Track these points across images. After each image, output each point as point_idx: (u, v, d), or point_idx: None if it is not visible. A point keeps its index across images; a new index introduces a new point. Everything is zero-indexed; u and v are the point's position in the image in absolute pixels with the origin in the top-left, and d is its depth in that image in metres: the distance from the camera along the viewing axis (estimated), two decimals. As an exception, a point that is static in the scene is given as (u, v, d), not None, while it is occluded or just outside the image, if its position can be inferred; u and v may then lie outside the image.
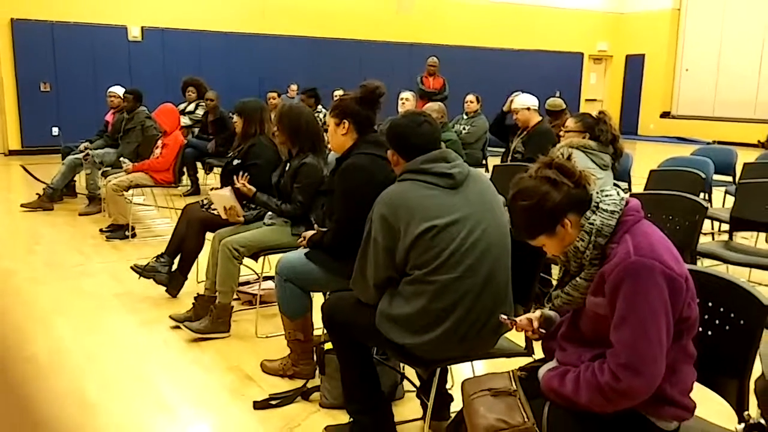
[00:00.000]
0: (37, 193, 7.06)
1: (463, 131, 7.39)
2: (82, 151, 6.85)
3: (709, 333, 1.85)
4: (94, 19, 11.67)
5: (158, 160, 5.80)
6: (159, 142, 5.93)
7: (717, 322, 1.85)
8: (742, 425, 1.53)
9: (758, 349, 1.69)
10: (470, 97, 7.68)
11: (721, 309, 1.84)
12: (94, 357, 3.41)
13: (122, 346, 3.57)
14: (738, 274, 2.78)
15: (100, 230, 5.98)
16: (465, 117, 7.69)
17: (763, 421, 1.47)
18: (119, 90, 7.34)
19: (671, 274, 1.59)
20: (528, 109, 5.60)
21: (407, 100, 7.06)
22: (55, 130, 11.29)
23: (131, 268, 4.31)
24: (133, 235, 5.85)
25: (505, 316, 1.98)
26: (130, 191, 5.90)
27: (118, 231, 5.82)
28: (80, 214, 6.77)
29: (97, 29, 11.70)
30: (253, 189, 3.68)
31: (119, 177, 5.82)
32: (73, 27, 11.50)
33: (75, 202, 7.30)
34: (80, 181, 7.43)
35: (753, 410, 1.58)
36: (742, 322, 1.79)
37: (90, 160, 6.76)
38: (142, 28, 12.16)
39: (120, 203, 5.81)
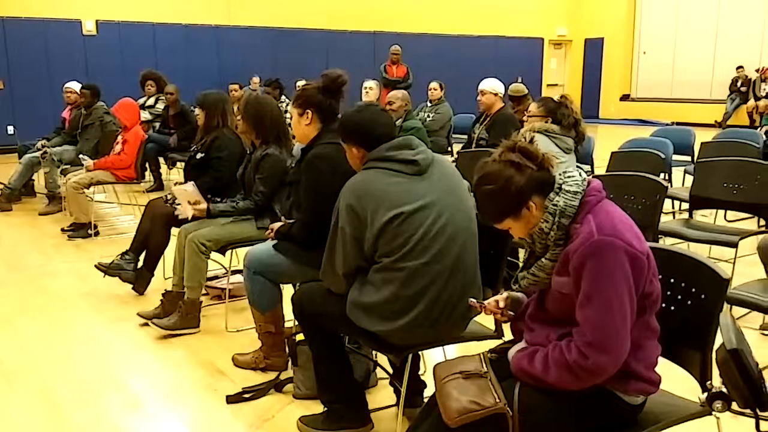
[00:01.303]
0: (-6, 194, 6.88)
1: (428, 119, 7.41)
2: (39, 150, 6.68)
3: (672, 308, 1.90)
4: (47, 14, 11.36)
5: (120, 156, 5.69)
6: (119, 138, 5.82)
7: (679, 297, 1.90)
8: (706, 394, 1.57)
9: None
10: (434, 85, 7.70)
11: (683, 284, 1.89)
12: (62, 358, 3.35)
13: (90, 346, 3.52)
14: (699, 251, 2.85)
15: (62, 229, 5.86)
16: (429, 104, 7.70)
17: (724, 390, 1.52)
18: (75, 85, 7.17)
19: (633, 252, 1.62)
20: (495, 94, 5.65)
21: (371, 89, 7.05)
22: (10, 129, 11.00)
23: (96, 266, 4.24)
24: (96, 233, 5.75)
25: (474, 300, 2.01)
26: (91, 188, 5.78)
27: (81, 230, 5.71)
28: (40, 214, 6.62)
29: (50, 24, 11.40)
30: (204, 206, 3.59)
31: (79, 175, 5.70)
32: (25, 22, 11.18)
33: (34, 202, 7.14)
34: (39, 180, 7.25)
35: (716, 380, 1.63)
36: (703, 296, 1.84)
37: (48, 158, 6.60)
38: (96, 21, 11.89)
39: (81, 201, 5.69)
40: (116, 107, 5.78)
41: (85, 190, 5.70)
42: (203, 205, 3.58)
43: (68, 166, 6.40)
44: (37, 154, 6.68)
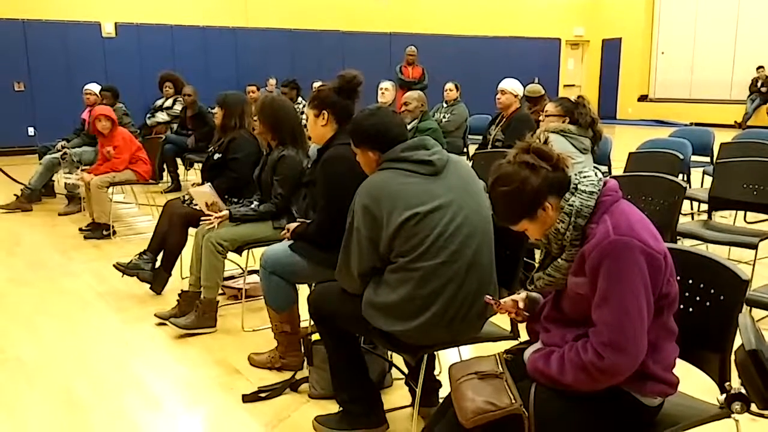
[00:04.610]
0: (15, 194, 6.97)
1: (444, 119, 7.40)
2: (59, 150, 6.77)
3: (691, 309, 1.88)
4: (67, 16, 11.50)
5: (114, 162, 5.70)
6: (110, 149, 5.77)
7: (698, 298, 1.88)
8: (724, 395, 1.56)
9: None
10: (449, 86, 7.69)
11: (702, 286, 1.87)
12: (81, 356, 3.39)
13: (108, 345, 3.55)
14: (718, 253, 2.82)
15: (80, 229, 5.92)
16: (445, 105, 7.70)
17: (743, 391, 1.50)
18: (95, 87, 7.25)
19: (650, 252, 1.61)
20: (515, 96, 5.65)
21: (387, 90, 7.05)
22: (31, 130, 11.14)
23: (114, 266, 4.28)
24: (114, 234, 5.79)
25: (489, 297, 2.00)
26: (110, 189, 5.84)
27: (98, 230, 5.76)
28: (60, 214, 6.70)
29: (70, 26, 11.54)
30: (226, 213, 3.59)
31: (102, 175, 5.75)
32: (46, 24, 11.33)
33: (54, 202, 7.22)
34: (58, 180, 7.34)
35: (734, 382, 1.61)
36: (722, 297, 1.82)
37: (68, 159, 6.68)
38: (115, 24, 12.01)
39: (104, 201, 5.73)
40: (100, 111, 5.75)
41: (106, 190, 5.76)
42: (225, 212, 3.59)
43: (87, 167, 6.47)
44: (57, 155, 6.76)
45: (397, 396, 2.87)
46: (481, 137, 6.17)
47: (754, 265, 3.72)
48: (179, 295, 3.77)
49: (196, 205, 3.96)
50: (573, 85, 18.01)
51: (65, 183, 5.70)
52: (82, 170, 5.90)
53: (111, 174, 5.69)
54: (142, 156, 5.88)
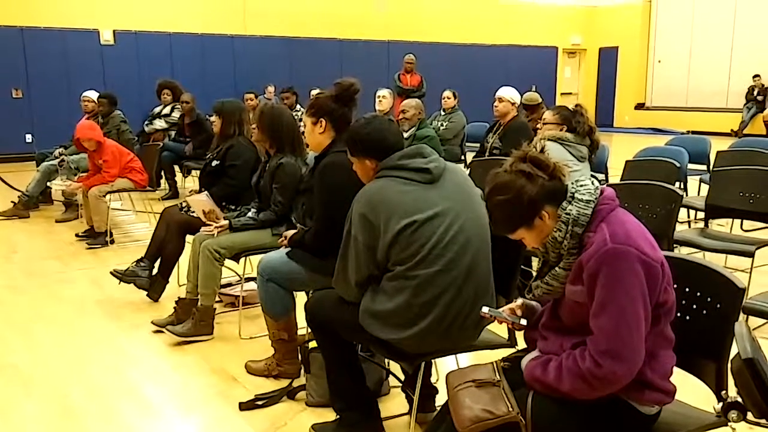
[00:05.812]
0: (12, 201, 6.96)
1: (441, 127, 7.41)
2: (57, 157, 6.76)
3: (687, 318, 1.89)
4: (65, 24, 11.51)
5: (103, 175, 5.69)
6: (100, 162, 5.75)
7: (694, 306, 1.88)
8: (721, 404, 1.56)
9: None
10: (447, 93, 7.71)
11: (699, 294, 1.88)
12: (77, 364, 3.38)
13: (105, 352, 3.54)
14: (714, 261, 2.82)
15: (77, 235, 5.91)
16: (443, 113, 7.72)
17: (739, 399, 1.50)
18: (93, 94, 7.25)
19: (647, 260, 1.62)
20: (513, 104, 5.67)
21: (384, 98, 7.07)
22: (29, 137, 11.14)
23: (111, 273, 4.27)
24: (111, 241, 5.78)
25: (486, 310, 1.96)
26: (108, 196, 5.83)
27: (98, 237, 5.73)
28: (57, 221, 6.69)
29: (69, 33, 11.55)
30: (226, 223, 3.58)
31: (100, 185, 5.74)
32: (44, 32, 11.34)
33: (51, 209, 7.22)
34: (55, 188, 7.33)
35: (731, 390, 1.61)
36: (718, 306, 1.82)
37: (65, 166, 6.68)
38: (114, 31, 12.03)
39: (103, 209, 5.70)
40: (81, 133, 5.71)
41: (104, 199, 5.75)
42: (224, 222, 3.59)
43: (84, 174, 6.47)
44: (55, 162, 6.76)
45: (394, 404, 2.87)
46: (478, 145, 6.17)
47: (750, 273, 3.73)
48: (176, 302, 3.77)
49: (193, 212, 3.96)
50: (570, 94, 18.06)
51: (54, 190, 5.65)
52: (78, 178, 5.90)
53: (109, 183, 5.68)
54: (136, 165, 5.86)
